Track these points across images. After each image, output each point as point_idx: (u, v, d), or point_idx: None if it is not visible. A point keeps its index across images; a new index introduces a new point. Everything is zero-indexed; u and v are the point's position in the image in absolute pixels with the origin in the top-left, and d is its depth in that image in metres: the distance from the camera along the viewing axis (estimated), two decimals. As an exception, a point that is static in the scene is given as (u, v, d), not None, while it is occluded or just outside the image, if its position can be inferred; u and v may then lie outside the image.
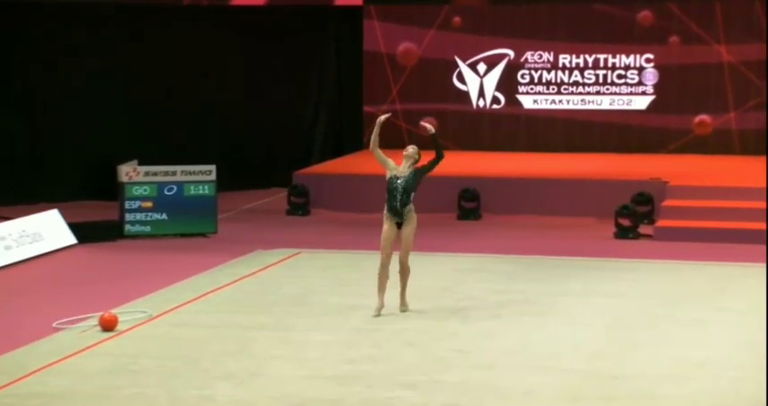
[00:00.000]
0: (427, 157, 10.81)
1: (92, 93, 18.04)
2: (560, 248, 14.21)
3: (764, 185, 15.18)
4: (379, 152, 10.62)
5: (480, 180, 16.75)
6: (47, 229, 14.26)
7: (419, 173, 10.61)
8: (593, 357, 9.35)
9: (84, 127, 18.08)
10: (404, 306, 10.70)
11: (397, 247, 10.61)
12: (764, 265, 12.51)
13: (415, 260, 13.19)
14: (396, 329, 10.19)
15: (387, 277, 10.53)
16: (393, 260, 10.60)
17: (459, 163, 18.14)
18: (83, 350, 9.55)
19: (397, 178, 10.53)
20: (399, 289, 10.66)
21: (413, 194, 10.58)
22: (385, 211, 10.56)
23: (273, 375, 8.77)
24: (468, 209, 16.57)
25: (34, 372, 8.92)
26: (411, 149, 10.73)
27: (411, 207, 10.57)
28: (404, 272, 10.62)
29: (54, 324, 10.35)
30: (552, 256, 13.69)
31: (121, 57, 18.20)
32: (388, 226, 10.50)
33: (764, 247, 13.54)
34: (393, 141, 19.58)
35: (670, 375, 8.83)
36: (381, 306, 10.52)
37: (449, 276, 12.56)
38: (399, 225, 10.53)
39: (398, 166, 10.61)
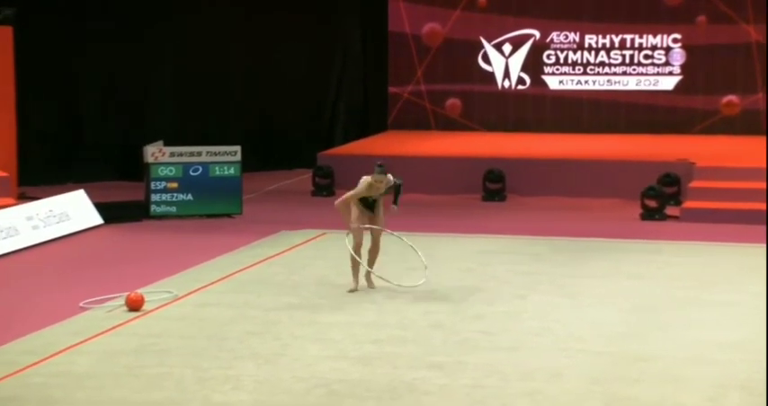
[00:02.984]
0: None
1: (116, 74, 18.06)
2: (586, 229, 14.16)
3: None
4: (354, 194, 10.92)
5: (505, 161, 16.71)
6: (73, 209, 14.34)
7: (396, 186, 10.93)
8: (619, 338, 9.32)
9: (110, 108, 18.13)
10: (371, 279, 10.94)
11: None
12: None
13: (440, 242, 13.25)
14: (421, 310, 10.19)
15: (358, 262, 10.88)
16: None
17: (484, 144, 18.13)
18: (109, 330, 9.61)
19: (371, 197, 10.82)
20: (366, 266, 10.91)
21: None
22: (356, 207, 10.84)
23: (298, 355, 8.79)
24: (493, 190, 16.53)
25: (61, 351, 8.98)
26: (382, 181, 10.78)
27: (379, 199, 10.88)
28: (376, 250, 10.91)
29: (81, 304, 10.42)
30: (578, 237, 13.64)
31: (147, 37, 18.20)
32: (359, 211, 10.78)
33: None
34: (419, 122, 19.65)
35: (696, 358, 8.80)
36: (356, 288, 10.84)
37: (474, 257, 12.54)
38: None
39: (372, 187, 10.72)
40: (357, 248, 10.78)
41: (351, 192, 10.84)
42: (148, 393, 7.96)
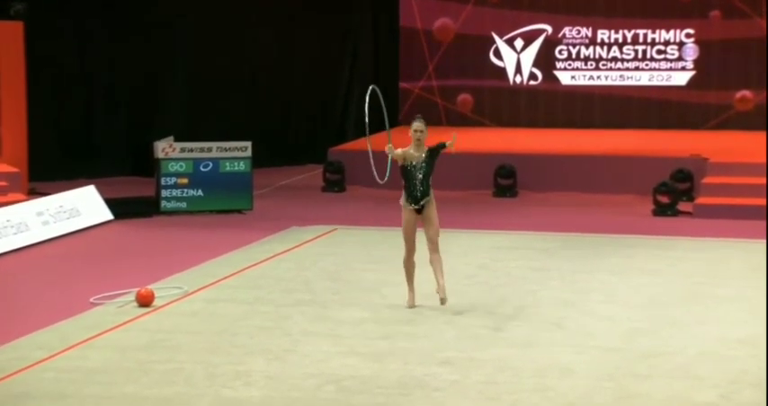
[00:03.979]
0: (433, 135, 10.48)
1: (127, 69, 18.07)
2: (598, 225, 14.13)
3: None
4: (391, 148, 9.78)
5: (517, 156, 16.70)
6: (84, 205, 14.35)
7: (434, 154, 9.78)
8: (631, 334, 9.29)
9: (121, 104, 18.15)
10: (443, 295, 9.80)
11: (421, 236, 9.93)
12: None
13: (451, 238, 13.20)
14: (432, 306, 10.15)
15: (414, 266, 9.95)
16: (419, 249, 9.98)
17: (496, 140, 18.12)
18: (120, 325, 9.61)
19: (413, 165, 9.74)
20: (435, 280, 9.79)
21: (431, 178, 9.85)
22: (403, 199, 9.85)
23: (309, 351, 8.78)
24: (505, 186, 16.51)
25: (73, 346, 8.99)
26: (417, 123, 9.75)
27: (431, 194, 9.83)
28: (437, 256, 9.77)
29: (91, 299, 10.42)
30: (590, 233, 13.61)
31: (159, 33, 18.19)
32: (408, 214, 9.80)
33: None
34: (430, 117, 19.52)
35: (709, 354, 8.76)
36: (413, 298, 9.98)
37: (485, 253, 12.52)
38: (419, 211, 9.83)
39: (407, 151, 9.76)
40: (409, 257, 9.89)
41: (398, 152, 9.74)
42: (159, 389, 7.96)
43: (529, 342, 9.04)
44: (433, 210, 9.83)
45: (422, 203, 9.78)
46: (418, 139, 9.74)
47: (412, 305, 9.95)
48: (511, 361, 8.54)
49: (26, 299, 10.72)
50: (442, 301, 9.78)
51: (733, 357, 8.65)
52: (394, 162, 9.84)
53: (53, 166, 16.92)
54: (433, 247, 9.79)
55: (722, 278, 11.30)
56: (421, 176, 9.75)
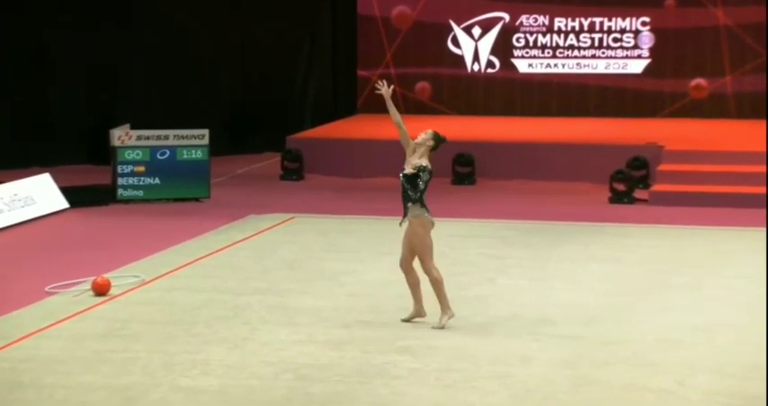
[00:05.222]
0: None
1: (84, 56, 17.92)
2: (555, 213, 14.18)
3: (760, 149, 15.15)
4: (405, 130, 9.11)
5: (475, 144, 16.69)
6: (38, 193, 14.22)
7: (416, 177, 9.06)
8: (589, 322, 9.34)
9: (77, 90, 17.99)
10: (446, 316, 9.17)
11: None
12: (761, 229, 12.50)
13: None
14: (390, 294, 10.17)
15: (415, 281, 9.20)
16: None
17: (454, 128, 17.96)
18: (76, 315, 9.56)
19: (403, 170, 9.13)
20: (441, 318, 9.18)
21: (420, 192, 9.07)
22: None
23: (267, 340, 8.77)
24: (463, 174, 16.54)
25: (27, 336, 8.94)
26: (423, 135, 9.13)
27: (417, 209, 9.08)
28: (432, 282, 9.11)
29: (47, 288, 10.36)
30: (547, 221, 13.66)
31: (118, 20, 18.05)
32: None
33: (761, 210, 13.52)
34: (385, 106, 19.57)
35: (667, 341, 8.83)
36: (417, 314, 9.20)
37: (444, 241, 12.40)
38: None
39: (412, 155, 9.14)
40: (404, 272, 9.23)
41: (393, 112, 9.18)
42: (116, 378, 7.94)
43: (487, 330, 9.08)
44: (412, 234, 9.11)
45: (404, 219, 9.14)
46: (418, 145, 9.08)
47: (408, 319, 9.20)
48: (469, 349, 8.57)
49: None
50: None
51: (689, 343, 8.72)
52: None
53: (6, 153, 16.72)
54: (426, 273, 9.14)
55: (679, 265, 11.36)
56: (402, 186, 9.10)
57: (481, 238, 12.66)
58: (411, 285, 9.22)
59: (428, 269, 9.11)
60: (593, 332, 9.03)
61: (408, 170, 9.07)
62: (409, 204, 9.10)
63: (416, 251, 9.13)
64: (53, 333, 9.03)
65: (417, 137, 9.11)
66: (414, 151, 9.13)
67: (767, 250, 11.28)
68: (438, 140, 9.14)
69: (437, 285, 9.10)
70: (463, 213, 14.13)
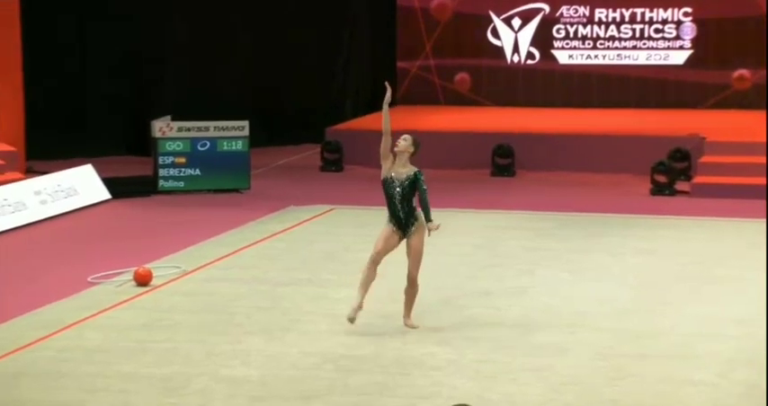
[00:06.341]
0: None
1: (126, 48, 18.02)
2: (595, 205, 14.13)
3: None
4: (388, 140, 8.80)
5: (514, 136, 16.67)
6: (81, 184, 14.36)
7: (416, 183, 8.77)
8: (626, 314, 9.32)
9: (119, 82, 18.07)
10: (410, 324, 8.99)
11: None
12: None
13: (448, 217, 13.13)
14: (430, 286, 10.13)
15: (374, 277, 8.87)
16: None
17: (493, 119, 18.09)
18: (118, 305, 9.65)
19: (393, 180, 8.75)
20: (404, 308, 9.01)
21: (413, 201, 8.85)
22: (388, 218, 8.84)
23: (306, 330, 8.81)
24: (503, 166, 16.50)
25: (70, 325, 9.03)
26: (403, 142, 8.77)
27: (419, 217, 8.80)
28: (413, 290, 8.94)
29: (89, 279, 10.45)
30: (586, 213, 13.62)
31: (156, 11, 18.14)
32: (389, 232, 8.82)
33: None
34: (428, 97, 19.57)
35: (703, 333, 8.79)
36: (359, 307, 8.76)
37: (482, 233, 12.54)
38: (404, 236, 8.83)
39: (396, 164, 8.80)
40: (373, 263, 8.86)
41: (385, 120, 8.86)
42: (157, 368, 8.01)
43: (524, 322, 9.07)
44: (419, 240, 8.80)
45: (408, 231, 8.78)
46: (401, 154, 8.78)
47: (353, 316, 8.75)
48: (506, 340, 8.58)
49: (24, 278, 10.74)
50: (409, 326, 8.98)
51: (728, 336, 8.67)
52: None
53: (50, 145, 16.86)
54: (412, 281, 8.92)
55: (718, 257, 11.30)
56: (400, 196, 8.75)
57: (520, 230, 12.65)
58: (370, 280, 8.82)
59: (417, 276, 8.86)
60: (630, 325, 9.00)
61: (404, 178, 8.74)
62: (411, 210, 8.77)
63: (419, 255, 8.82)
64: (95, 323, 9.12)
65: (397, 145, 8.77)
66: (394, 160, 8.79)
67: (767, 244, 11.14)
68: (417, 146, 8.82)
69: (416, 293, 8.92)
70: (502, 204, 14.12)
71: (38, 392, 7.60)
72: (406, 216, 8.78)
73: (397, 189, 8.75)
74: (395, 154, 8.81)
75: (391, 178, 8.77)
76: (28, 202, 13.35)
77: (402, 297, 9.03)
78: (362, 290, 8.79)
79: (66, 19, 17.62)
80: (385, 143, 8.83)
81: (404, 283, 8.92)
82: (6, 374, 7.96)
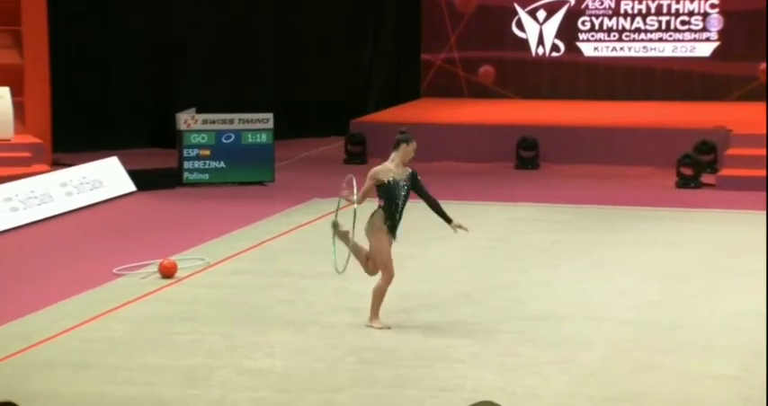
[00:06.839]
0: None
1: (150, 41, 18.09)
2: (620, 197, 14.11)
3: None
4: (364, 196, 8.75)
5: (539, 128, 16.65)
6: (107, 176, 14.44)
7: (414, 181, 8.68)
8: (650, 307, 9.31)
9: (144, 75, 18.15)
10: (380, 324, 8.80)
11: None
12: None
13: (473, 210, 13.22)
14: (451, 279, 10.20)
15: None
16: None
17: (518, 112, 18.09)
18: (143, 296, 9.70)
19: (397, 181, 8.60)
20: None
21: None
22: (381, 220, 8.67)
23: (329, 323, 8.83)
24: (527, 158, 16.50)
25: (96, 317, 9.09)
26: (414, 145, 8.78)
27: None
28: (386, 287, 8.77)
29: (115, 270, 10.51)
30: (611, 206, 13.59)
31: (181, 4, 18.20)
32: (385, 236, 8.63)
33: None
34: (452, 89, 19.59)
35: (727, 326, 8.77)
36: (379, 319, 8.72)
37: (506, 225, 12.53)
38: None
39: (387, 166, 8.70)
40: (386, 284, 8.67)
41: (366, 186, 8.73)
42: (182, 359, 8.05)
43: (547, 315, 9.07)
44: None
45: (398, 235, 8.70)
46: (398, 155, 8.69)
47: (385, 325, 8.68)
48: (529, 333, 8.58)
49: (50, 270, 10.82)
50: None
51: (751, 329, 8.63)
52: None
53: (76, 137, 16.96)
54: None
55: (743, 250, 11.25)
56: (404, 197, 8.64)
57: (544, 222, 12.64)
58: (382, 299, 8.69)
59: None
60: (654, 317, 8.99)
61: (406, 177, 8.64)
62: (402, 213, 8.67)
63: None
64: (121, 315, 9.18)
65: (412, 145, 8.71)
66: (395, 165, 8.70)
67: (767, 238, 11.09)
68: (400, 140, 8.73)
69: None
70: (526, 197, 14.11)
71: (64, 383, 7.66)
72: (400, 217, 8.69)
73: (402, 192, 8.64)
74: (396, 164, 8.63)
75: (395, 180, 8.61)
76: (54, 194, 13.44)
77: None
78: (377, 310, 8.67)
79: (93, 12, 17.70)
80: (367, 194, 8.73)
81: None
82: (34, 363, 8.04)
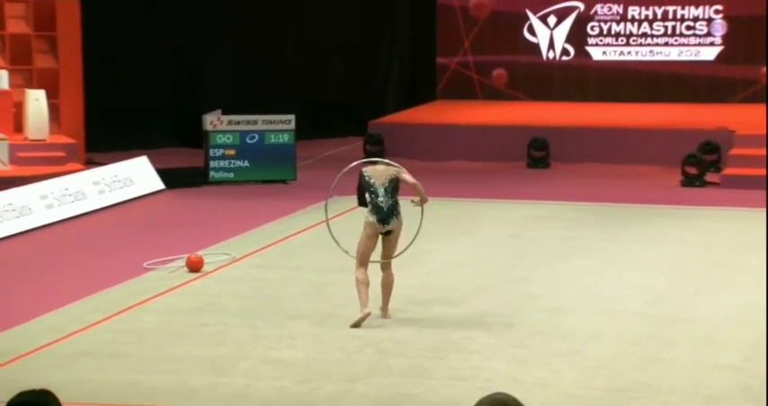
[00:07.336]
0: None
1: (177, 44, 18.22)
2: (627, 196, 14.21)
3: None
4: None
5: (549, 129, 16.79)
6: (137, 175, 14.65)
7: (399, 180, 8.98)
8: (658, 301, 9.44)
9: (171, 77, 18.29)
10: (386, 315, 9.05)
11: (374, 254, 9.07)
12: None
13: (486, 208, 13.41)
14: (468, 273, 10.36)
15: (368, 282, 8.88)
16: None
17: (529, 113, 18.17)
18: (171, 290, 9.92)
19: (373, 178, 9.03)
20: (381, 302, 9.01)
21: (397, 195, 8.94)
22: (369, 215, 8.90)
23: (350, 315, 8.91)
24: (538, 158, 16.66)
25: (127, 309, 9.29)
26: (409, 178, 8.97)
27: (401, 219, 8.90)
28: (390, 283, 9.02)
29: (144, 265, 10.71)
30: (619, 203, 13.70)
31: (206, 7, 18.35)
32: (371, 231, 8.86)
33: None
34: (466, 92, 19.72)
35: (733, 320, 8.87)
36: (369, 314, 8.82)
37: (518, 223, 12.66)
38: (386, 233, 8.89)
39: (378, 167, 9.10)
40: (364, 279, 8.87)
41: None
42: (209, 349, 8.23)
43: (558, 309, 9.22)
44: (398, 237, 8.95)
45: (389, 227, 8.83)
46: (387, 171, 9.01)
47: (360, 323, 8.76)
48: (541, 326, 8.73)
49: (83, 264, 11.04)
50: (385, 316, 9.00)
51: (756, 323, 8.71)
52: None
53: (108, 137, 16.97)
54: (387, 264, 9.00)
55: (747, 246, 11.34)
56: (383, 189, 8.86)
57: (554, 220, 12.77)
58: (365, 284, 8.87)
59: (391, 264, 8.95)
60: (661, 311, 9.10)
61: (389, 179, 8.96)
62: (393, 209, 8.87)
63: (393, 251, 9.00)
64: (150, 307, 9.35)
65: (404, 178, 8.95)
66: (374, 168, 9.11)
67: (767, 237, 11.09)
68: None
69: (392, 283, 8.98)
70: (537, 195, 14.25)
71: (97, 372, 7.79)
72: (389, 211, 8.85)
73: (382, 185, 8.89)
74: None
75: (369, 177, 9.02)
76: (87, 192, 13.68)
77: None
78: (365, 297, 8.79)
79: (122, 16, 17.72)
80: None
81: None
82: (67, 354, 8.18)
